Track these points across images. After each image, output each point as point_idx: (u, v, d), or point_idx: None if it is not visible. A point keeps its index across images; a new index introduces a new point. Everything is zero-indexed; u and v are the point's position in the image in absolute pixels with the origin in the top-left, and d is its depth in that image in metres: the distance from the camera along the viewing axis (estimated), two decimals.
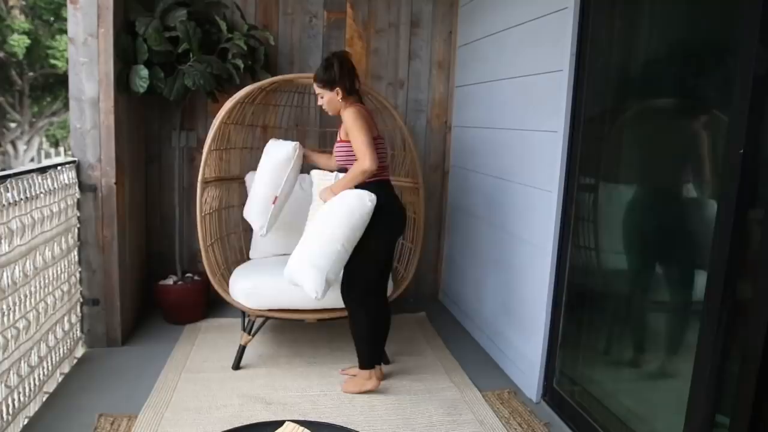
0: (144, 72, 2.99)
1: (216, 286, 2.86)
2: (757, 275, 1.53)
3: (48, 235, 2.51)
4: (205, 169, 2.85)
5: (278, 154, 2.83)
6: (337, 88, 2.54)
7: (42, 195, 2.45)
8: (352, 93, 2.59)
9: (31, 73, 10.40)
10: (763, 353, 1.49)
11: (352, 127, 2.45)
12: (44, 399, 2.50)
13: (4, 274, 2.12)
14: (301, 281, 2.47)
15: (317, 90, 2.61)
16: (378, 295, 2.66)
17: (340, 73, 2.51)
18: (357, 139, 2.43)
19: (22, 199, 2.25)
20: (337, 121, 2.65)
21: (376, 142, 2.53)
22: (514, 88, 2.94)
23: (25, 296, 2.30)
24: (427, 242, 3.86)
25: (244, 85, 3.03)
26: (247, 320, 2.88)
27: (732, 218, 1.58)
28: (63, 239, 2.71)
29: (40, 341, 2.46)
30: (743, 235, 1.57)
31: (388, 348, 3.03)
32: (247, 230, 3.34)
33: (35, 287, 2.40)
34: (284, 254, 3.12)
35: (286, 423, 1.60)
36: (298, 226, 2.81)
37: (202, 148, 2.97)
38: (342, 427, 1.65)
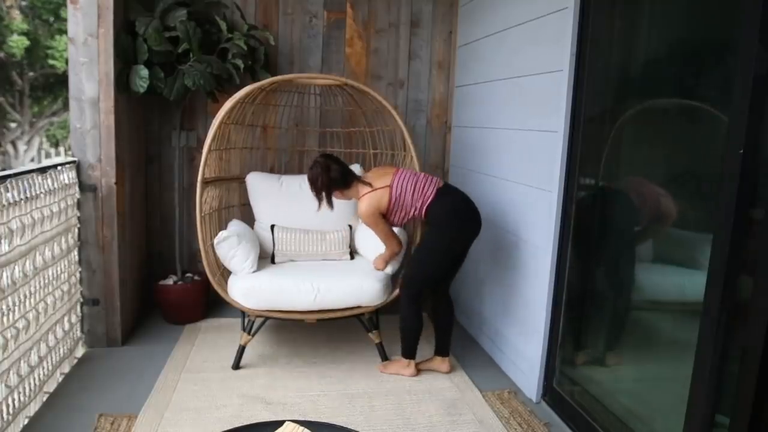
0: (144, 72, 2.99)
1: (215, 286, 2.86)
2: (757, 275, 1.53)
3: (48, 235, 2.51)
4: (204, 169, 2.84)
5: None
6: (336, 192, 2.76)
7: (42, 195, 2.45)
8: (350, 183, 2.75)
9: (31, 73, 10.39)
10: (763, 353, 1.49)
11: (369, 225, 2.75)
12: (44, 399, 2.50)
13: (4, 274, 2.12)
14: None
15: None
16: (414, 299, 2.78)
17: (325, 184, 2.71)
18: (377, 234, 2.78)
19: (22, 199, 2.25)
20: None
21: (397, 199, 2.67)
22: (514, 88, 2.94)
23: (25, 296, 2.30)
24: None
25: (244, 85, 3.02)
26: (246, 320, 2.88)
27: (732, 218, 1.58)
28: (63, 239, 2.71)
29: (40, 341, 2.46)
30: (743, 235, 1.57)
31: (387, 348, 3.04)
32: None
33: (35, 287, 2.40)
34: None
35: (286, 423, 1.60)
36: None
37: (202, 148, 2.96)
38: (342, 427, 1.65)
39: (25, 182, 2.29)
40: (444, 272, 2.81)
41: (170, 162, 3.62)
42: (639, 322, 2.26)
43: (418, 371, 2.86)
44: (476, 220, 2.73)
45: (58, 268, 2.66)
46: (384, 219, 2.73)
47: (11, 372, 2.17)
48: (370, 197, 2.68)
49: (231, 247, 2.80)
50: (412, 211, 2.69)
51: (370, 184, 2.71)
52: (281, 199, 3.33)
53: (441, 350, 2.89)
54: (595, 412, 2.33)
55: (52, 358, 2.60)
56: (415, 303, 2.75)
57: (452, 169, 3.94)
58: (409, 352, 2.83)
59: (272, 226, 3.18)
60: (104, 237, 2.98)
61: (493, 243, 3.15)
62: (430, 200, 2.65)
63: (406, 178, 2.70)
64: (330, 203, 2.76)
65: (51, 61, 10.10)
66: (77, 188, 2.90)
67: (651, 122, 2.16)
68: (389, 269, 2.96)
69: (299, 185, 3.38)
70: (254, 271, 2.86)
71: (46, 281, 2.52)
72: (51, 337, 2.58)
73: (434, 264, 2.73)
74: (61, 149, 11.62)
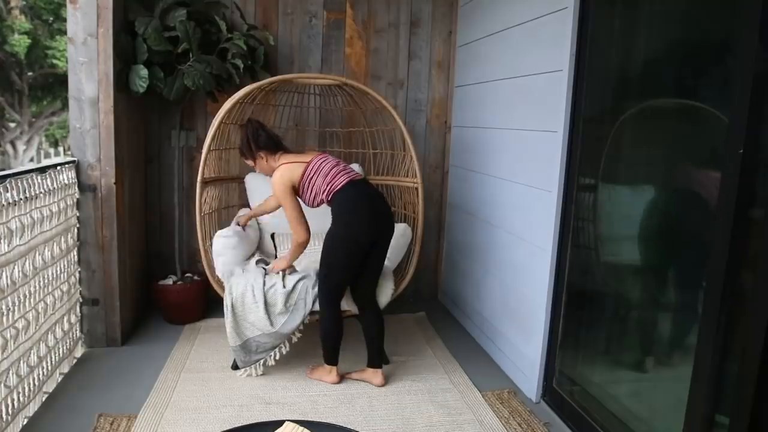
0: (143, 72, 2.99)
1: (215, 286, 2.86)
2: (757, 275, 1.53)
3: (47, 235, 2.51)
4: (204, 169, 2.85)
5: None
6: (260, 153, 2.67)
7: (41, 195, 2.45)
8: (276, 149, 2.69)
9: (30, 73, 10.39)
10: (763, 353, 1.49)
11: (279, 198, 2.63)
12: (44, 399, 2.50)
13: (4, 274, 2.12)
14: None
15: (248, 163, 2.75)
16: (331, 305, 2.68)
17: (252, 143, 2.66)
18: (286, 212, 2.63)
19: (21, 199, 2.25)
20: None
21: (310, 177, 2.61)
22: (513, 88, 2.94)
23: (25, 296, 2.30)
24: (427, 242, 3.87)
25: (244, 85, 3.02)
26: None
27: (732, 218, 1.58)
28: (62, 239, 2.71)
29: (40, 341, 2.45)
30: (743, 234, 1.57)
31: (388, 347, 3.03)
32: None
33: (35, 287, 2.40)
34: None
35: (286, 423, 1.60)
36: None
37: (201, 147, 2.96)
38: (342, 427, 1.65)
39: (25, 182, 2.29)
40: (352, 271, 2.63)
41: (170, 162, 3.62)
42: (638, 321, 2.25)
43: (340, 378, 2.75)
44: (381, 219, 2.62)
45: (58, 268, 2.65)
46: (295, 197, 2.63)
47: (11, 372, 2.17)
48: (285, 167, 2.62)
49: (226, 247, 2.79)
50: (321, 195, 2.61)
51: (292, 156, 2.68)
52: None
53: (371, 361, 2.76)
54: (595, 412, 2.33)
55: (51, 358, 2.60)
56: (330, 305, 2.65)
57: (452, 169, 3.94)
58: (329, 359, 2.73)
59: (272, 235, 3.19)
60: (104, 237, 2.98)
61: (493, 243, 3.15)
62: (338, 188, 2.57)
63: (326, 161, 2.64)
64: (255, 162, 2.72)
65: (53, 61, 10.11)
66: (77, 188, 2.90)
67: (651, 122, 2.16)
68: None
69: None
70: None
71: (46, 281, 2.52)
72: (50, 337, 2.58)
73: (338, 259, 2.59)
74: (61, 149, 11.63)
